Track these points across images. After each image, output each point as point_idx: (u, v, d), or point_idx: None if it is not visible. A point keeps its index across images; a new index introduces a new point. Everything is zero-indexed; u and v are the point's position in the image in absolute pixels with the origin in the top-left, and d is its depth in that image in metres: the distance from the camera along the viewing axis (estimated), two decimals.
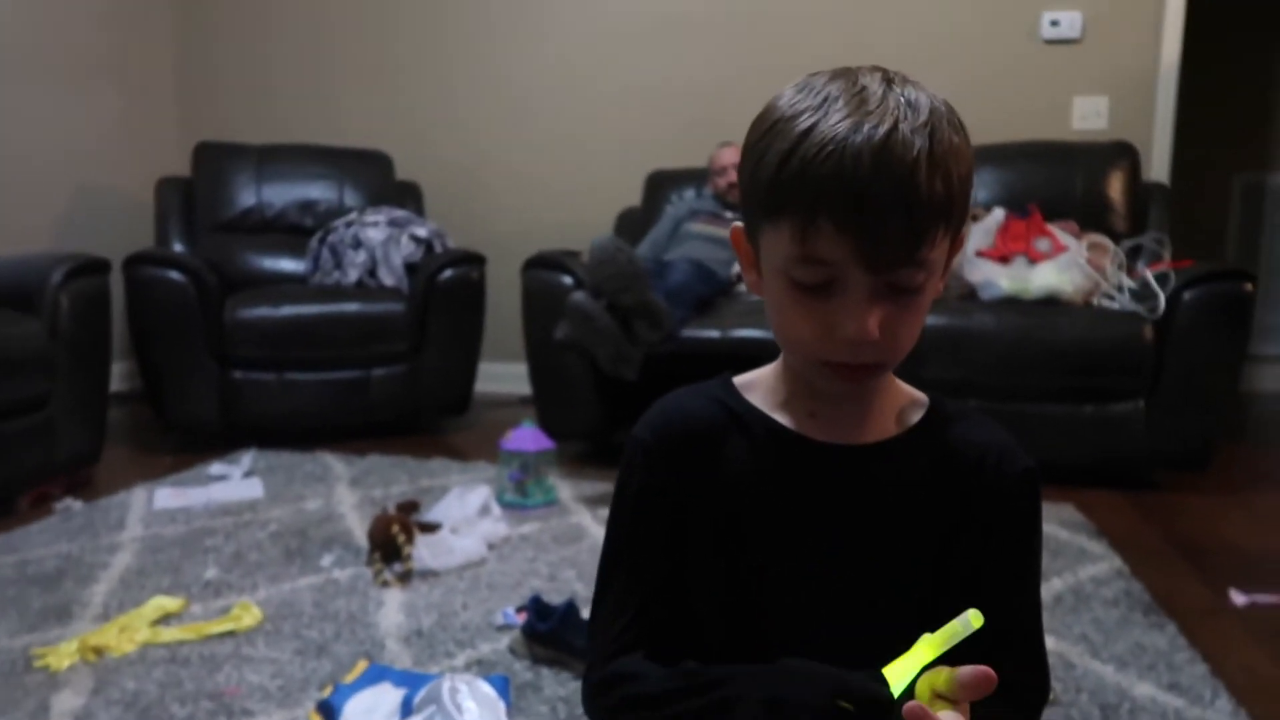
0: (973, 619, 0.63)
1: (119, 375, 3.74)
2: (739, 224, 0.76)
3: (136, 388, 3.59)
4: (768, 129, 0.69)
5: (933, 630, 0.67)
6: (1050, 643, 1.76)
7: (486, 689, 1.43)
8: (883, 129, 0.64)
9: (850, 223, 0.64)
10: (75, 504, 2.53)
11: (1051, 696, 1.54)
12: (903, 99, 0.66)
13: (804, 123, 0.66)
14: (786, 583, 0.76)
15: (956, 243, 0.74)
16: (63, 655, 1.67)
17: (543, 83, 4.08)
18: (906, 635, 0.76)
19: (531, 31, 4.08)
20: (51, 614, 1.87)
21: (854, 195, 0.64)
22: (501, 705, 1.42)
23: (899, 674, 0.64)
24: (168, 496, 2.60)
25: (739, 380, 0.82)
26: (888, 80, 0.68)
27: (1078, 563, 2.16)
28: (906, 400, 0.81)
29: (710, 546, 0.78)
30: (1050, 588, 2.02)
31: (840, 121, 0.65)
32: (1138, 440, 2.72)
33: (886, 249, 0.65)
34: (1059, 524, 2.41)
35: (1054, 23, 3.64)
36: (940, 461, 0.77)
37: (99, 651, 1.70)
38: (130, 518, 2.44)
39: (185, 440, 3.18)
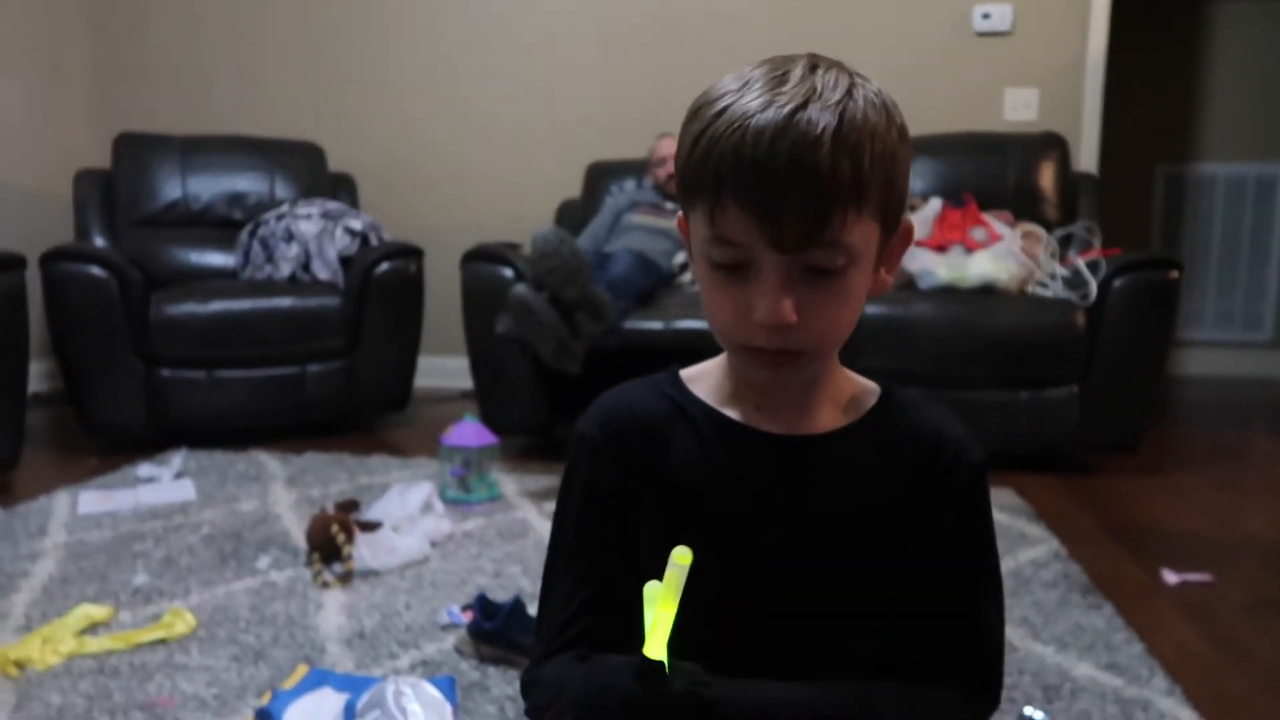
0: (678, 557, 0.63)
1: (38, 376, 3.59)
2: (682, 213, 0.75)
3: (57, 389, 3.45)
4: (693, 114, 0.69)
5: (876, 631, 0.67)
6: None
7: (432, 691, 1.40)
8: (789, 107, 0.63)
9: (751, 201, 0.64)
10: None
11: None
12: (822, 81, 0.66)
13: (720, 105, 0.66)
14: (736, 576, 0.75)
15: (901, 235, 0.73)
16: None
17: (479, 73, 4.02)
18: (856, 627, 0.76)
19: (467, 22, 4.01)
20: None
21: (753, 172, 0.63)
22: (448, 707, 1.38)
23: (659, 647, 0.64)
24: (93, 500, 2.50)
25: (686, 373, 0.81)
26: (813, 65, 0.67)
27: (1018, 546, 2.20)
28: (857, 389, 0.80)
29: (659, 541, 0.76)
30: None
31: (752, 101, 0.65)
32: (1071, 425, 2.78)
33: (790, 227, 0.64)
34: (999, 508, 2.44)
35: (985, 15, 3.69)
36: (891, 452, 0.77)
37: (21, 665, 1.62)
38: (52, 523, 2.34)
39: (110, 442, 3.06)
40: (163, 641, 1.72)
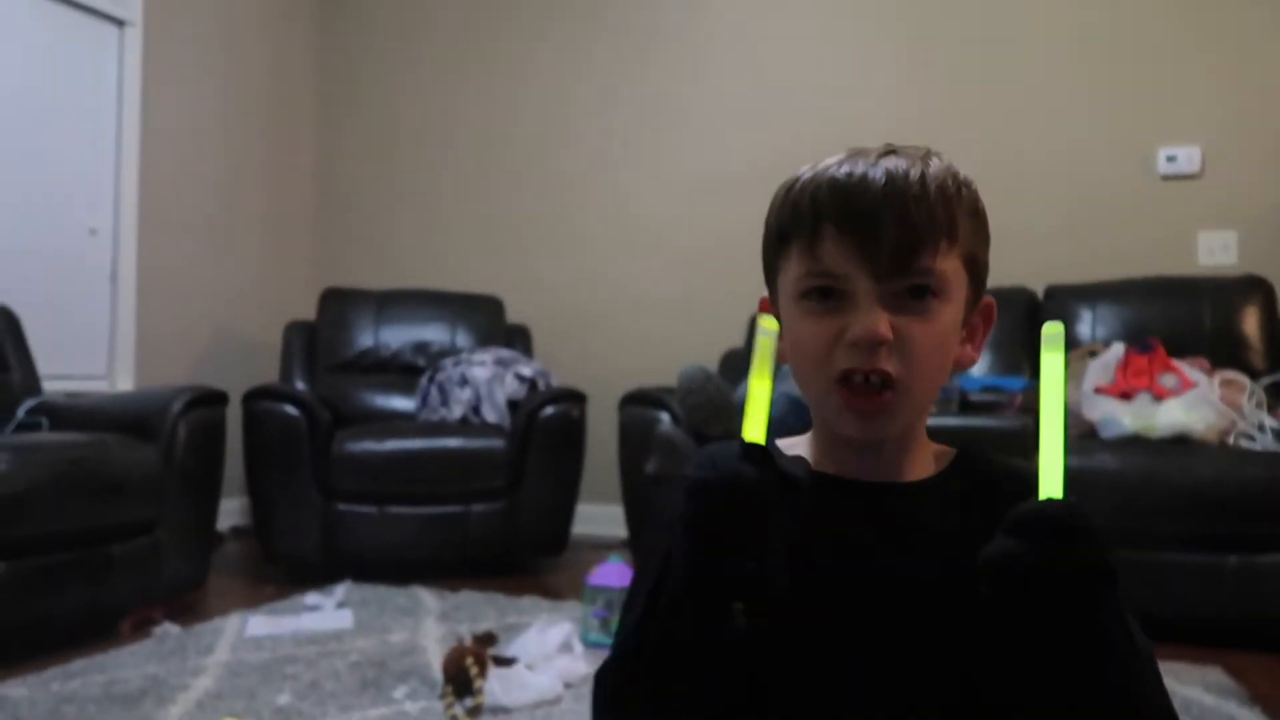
0: (765, 323, 0.69)
1: (239, 511, 3.88)
2: (764, 295, 0.80)
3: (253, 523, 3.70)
4: (780, 188, 0.78)
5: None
6: None
7: None
8: (875, 157, 0.72)
9: (850, 226, 0.69)
10: (173, 629, 2.57)
11: None
12: (900, 150, 0.73)
13: (803, 171, 0.75)
14: (825, 629, 0.72)
15: (983, 310, 0.76)
16: None
17: (650, 227, 4.20)
18: (947, 681, 0.70)
19: (641, 176, 4.23)
20: None
21: (851, 201, 0.69)
22: None
23: (758, 426, 0.65)
24: (260, 624, 2.61)
25: (779, 442, 0.81)
26: (891, 149, 0.74)
27: None
28: (941, 451, 0.80)
29: None
30: None
31: (836, 164, 0.73)
32: None
33: (887, 252, 0.68)
34: (1203, 688, 2.14)
35: (1171, 158, 3.53)
36: (979, 494, 0.75)
37: None
38: (220, 643, 2.46)
39: (289, 572, 3.23)
40: None
